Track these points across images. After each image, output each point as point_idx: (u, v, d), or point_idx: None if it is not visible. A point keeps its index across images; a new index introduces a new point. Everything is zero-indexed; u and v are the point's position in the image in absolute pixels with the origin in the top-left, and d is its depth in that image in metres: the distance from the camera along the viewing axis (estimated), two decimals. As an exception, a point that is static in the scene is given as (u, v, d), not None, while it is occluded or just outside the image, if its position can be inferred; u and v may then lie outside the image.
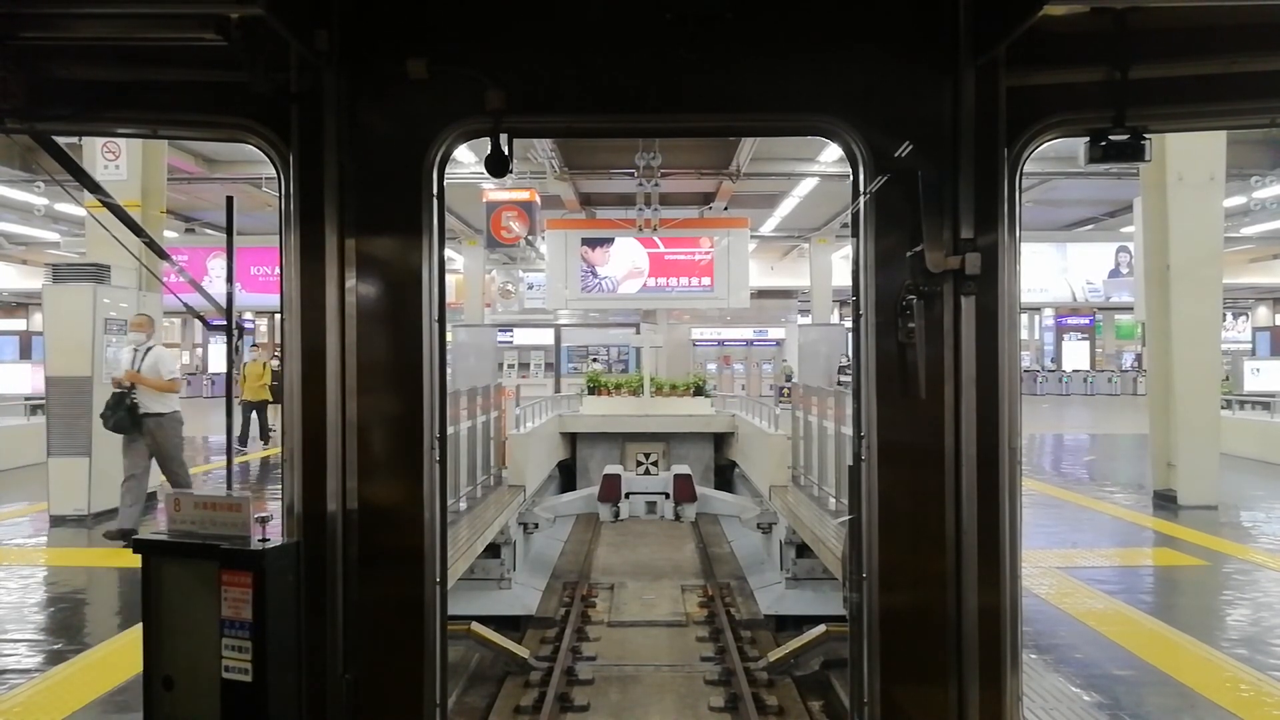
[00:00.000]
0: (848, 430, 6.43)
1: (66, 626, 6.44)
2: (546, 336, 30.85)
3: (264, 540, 3.24)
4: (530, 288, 29.22)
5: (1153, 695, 5.11)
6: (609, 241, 20.63)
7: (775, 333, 31.43)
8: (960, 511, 3.33)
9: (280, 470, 3.54)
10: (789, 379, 29.43)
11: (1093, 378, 36.71)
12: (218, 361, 36.44)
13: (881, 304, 3.37)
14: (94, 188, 4.57)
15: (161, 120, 3.66)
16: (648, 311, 26.67)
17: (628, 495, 12.96)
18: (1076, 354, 39.54)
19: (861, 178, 3.41)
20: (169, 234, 24.30)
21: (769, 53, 3.40)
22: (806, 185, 20.66)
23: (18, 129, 3.43)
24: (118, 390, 8.43)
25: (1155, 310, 10.74)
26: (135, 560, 3.30)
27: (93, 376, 9.81)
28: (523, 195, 19.12)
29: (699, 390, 17.32)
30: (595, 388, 17.44)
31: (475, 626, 8.08)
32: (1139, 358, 36.44)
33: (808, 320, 30.30)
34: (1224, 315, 17.88)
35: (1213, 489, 10.37)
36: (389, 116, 3.44)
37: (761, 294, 31.04)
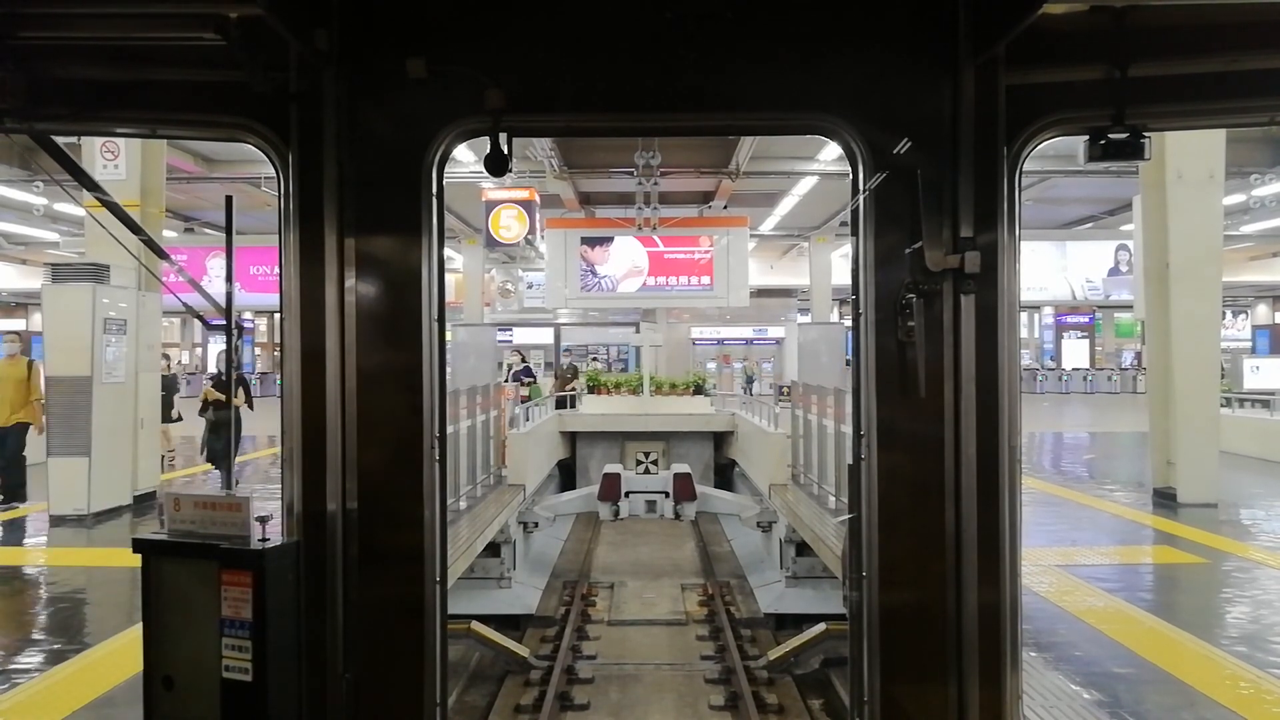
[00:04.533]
0: (847, 429, 6.42)
1: (67, 627, 6.44)
2: (546, 336, 30.84)
3: (264, 540, 3.24)
4: (530, 287, 29.22)
5: (1153, 693, 5.11)
6: (608, 240, 20.63)
7: (775, 331, 31.42)
8: (960, 510, 3.33)
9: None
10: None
11: (1092, 376, 36.76)
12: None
13: (881, 302, 3.37)
14: (93, 187, 4.56)
15: (161, 120, 3.65)
16: (647, 310, 26.66)
17: (627, 494, 12.97)
18: (1076, 352, 39.58)
19: (861, 176, 3.41)
20: (168, 233, 24.28)
21: (768, 51, 3.40)
22: (806, 184, 20.65)
23: (17, 129, 3.42)
24: None
25: (1155, 308, 10.74)
26: (136, 560, 3.31)
27: (92, 376, 9.82)
28: (522, 194, 19.14)
29: (699, 389, 17.31)
30: (595, 387, 17.42)
31: (475, 625, 8.09)
32: (1139, 356, 36.47)
33: (807, 319, 30.29)
34: (1223, 313, 17.85)
35: (1212, 487, 10.37)
36: (388, 116, 3.43)
37: (761, 293, 31.04)
